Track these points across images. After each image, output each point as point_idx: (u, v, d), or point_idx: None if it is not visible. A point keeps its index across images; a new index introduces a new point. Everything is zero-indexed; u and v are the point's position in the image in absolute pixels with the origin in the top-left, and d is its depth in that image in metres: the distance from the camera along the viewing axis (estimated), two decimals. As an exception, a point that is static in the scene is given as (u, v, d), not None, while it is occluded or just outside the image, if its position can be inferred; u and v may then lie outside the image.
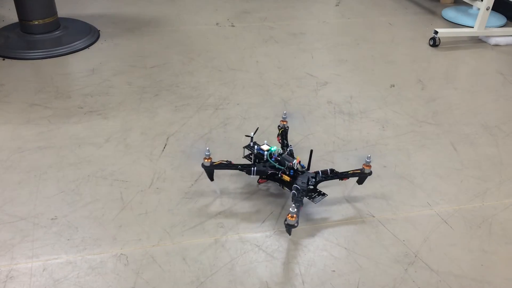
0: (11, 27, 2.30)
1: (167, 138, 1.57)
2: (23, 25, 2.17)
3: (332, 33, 2.49)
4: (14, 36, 2.19)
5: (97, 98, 1.78)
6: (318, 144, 1.58)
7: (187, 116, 1.70)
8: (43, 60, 2.06)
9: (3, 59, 2.05)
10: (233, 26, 2.53)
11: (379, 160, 1.52)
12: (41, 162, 1.42)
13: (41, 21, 2.14)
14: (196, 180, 1.39)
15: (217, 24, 2.54)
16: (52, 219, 1.22)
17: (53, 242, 1.16)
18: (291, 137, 1.58)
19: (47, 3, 2.15)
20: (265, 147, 1.31)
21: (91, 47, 2.20)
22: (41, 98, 1.76)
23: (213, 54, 2.19)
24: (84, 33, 2.26)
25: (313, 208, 1.30)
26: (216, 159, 1.29)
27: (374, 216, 1.29)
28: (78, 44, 2.17)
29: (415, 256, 1.17)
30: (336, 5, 2.90)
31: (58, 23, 2.25)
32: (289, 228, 1.12)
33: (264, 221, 1.25)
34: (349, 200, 1.34)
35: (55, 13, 2.22)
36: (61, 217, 1.23)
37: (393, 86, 1.98)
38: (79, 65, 2.03)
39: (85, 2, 2.76)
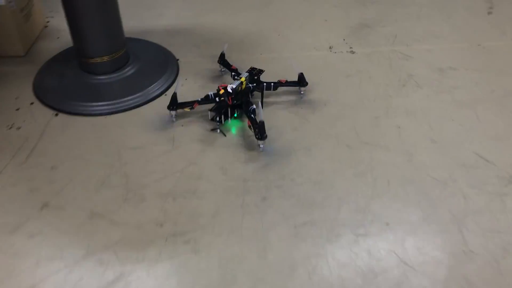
0: (67, 53, 1.78)
1: (291, 305, 1.02)
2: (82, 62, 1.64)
3: (496, 68, 1.76)
4: (71, 75, 1.67)
5: (181, 202, 1.24)
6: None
7: (315, 251, 1.12)
8: (107, 117, 1.53)
9: (56, 115, 1.54)
10: (352, 52, 1.86)
11: None
12: None
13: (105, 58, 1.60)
14: None
15: (330, 48, 1.88)
16: None
17: None
18: None
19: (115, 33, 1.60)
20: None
21: (167, 92, 1.64)
22: (105, 200, 1.24)
23: (334, 109, 1.56)
24: (160, 70, 1.69)
25: None
26: None
27: None
28: (152, 90, 1.61)
29: None
30: (488, 13, 2.12)
31: (127, 57, 1.69)
32: None
33: None
34: None
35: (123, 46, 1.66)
36: None
37: None
38: (154, 129, 1.48)
39: (156, 6, 2.17)
